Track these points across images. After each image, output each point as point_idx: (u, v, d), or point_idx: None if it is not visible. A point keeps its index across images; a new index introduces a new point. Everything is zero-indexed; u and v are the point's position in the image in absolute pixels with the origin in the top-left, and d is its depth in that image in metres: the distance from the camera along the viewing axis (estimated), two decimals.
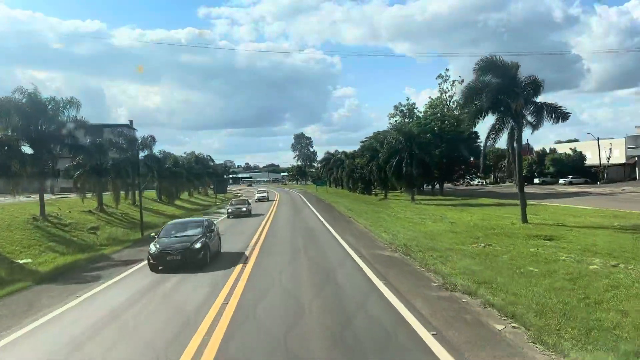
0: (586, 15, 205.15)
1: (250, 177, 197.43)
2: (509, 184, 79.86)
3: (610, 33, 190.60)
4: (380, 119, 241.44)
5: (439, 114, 51.36)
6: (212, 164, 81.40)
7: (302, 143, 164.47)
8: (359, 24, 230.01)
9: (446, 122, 49.33)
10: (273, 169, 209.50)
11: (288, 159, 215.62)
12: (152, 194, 50.43)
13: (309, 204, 43.97)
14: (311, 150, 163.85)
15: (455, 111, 53.65)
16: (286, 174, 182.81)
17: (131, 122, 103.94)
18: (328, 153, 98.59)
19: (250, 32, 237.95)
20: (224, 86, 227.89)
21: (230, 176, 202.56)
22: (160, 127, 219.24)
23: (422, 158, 39.71)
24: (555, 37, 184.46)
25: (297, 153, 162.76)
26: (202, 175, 66.17)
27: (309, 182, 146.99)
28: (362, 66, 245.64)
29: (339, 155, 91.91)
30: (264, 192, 57.40)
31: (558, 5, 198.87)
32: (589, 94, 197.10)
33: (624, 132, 61.68)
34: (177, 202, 51.42)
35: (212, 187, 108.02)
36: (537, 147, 79.63)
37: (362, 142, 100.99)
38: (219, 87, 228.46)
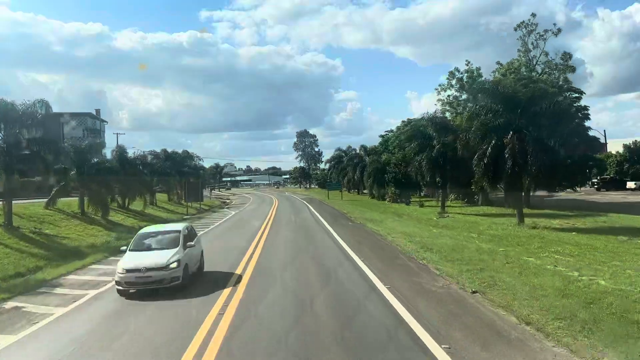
0: (589, 19, 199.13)
1: (250, 180, 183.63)
2: (583, 188, 60.91)
3: (613, 37, 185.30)
4: (382, 122, 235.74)
5: (524, 81, 32.47)
6: (192, 162, 62.60)
7: (305, 142, 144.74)
8: (361, 27, 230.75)
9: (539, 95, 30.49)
10: (274, 171, 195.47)
11: (290, 162, 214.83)
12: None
13: (334, 232, 25.55)
14: (316, 149, 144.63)
15: (552, 75, 34.84)
16: (287, 176, 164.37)
17: (98, 110, 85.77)
18: (339, 150, 79.96)
19: (251, 35, 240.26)
20: (226, 89, 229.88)
21: (229, 179, 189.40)
22: (162, 130, 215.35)
23: (541, 142, 20.99)
24: (558, 40, 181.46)
25: (300, 153, 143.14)
26: (169, 176, 47.52)
27: (314, 186, 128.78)
28: (364, 69, 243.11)
29: (353, 152, 73.34)
30: (158, 234, 12.70)
31: (560, 9, 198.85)
32: (591, 97, 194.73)
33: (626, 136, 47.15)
34: (117, 217, 32.93)
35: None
36: (613, 140, 60.85)
37: (383, 135, 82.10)
38: (220, 90, 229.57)
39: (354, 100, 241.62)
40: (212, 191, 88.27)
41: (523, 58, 36.68)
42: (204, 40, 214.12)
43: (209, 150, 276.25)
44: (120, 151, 37.76)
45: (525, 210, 30.82)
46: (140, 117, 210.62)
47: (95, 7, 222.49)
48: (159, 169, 46.28)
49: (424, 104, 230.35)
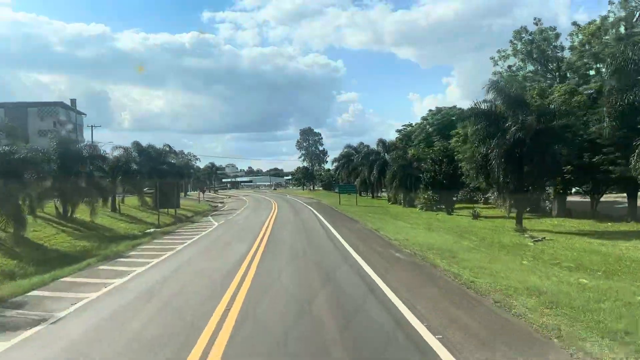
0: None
1: (251, 181, 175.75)
2: None
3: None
4: (383, 124, 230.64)
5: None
6: (180, 159, 52.31)
7: (309, 140, 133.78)
8: (363, 29, 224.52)
9: None
10: (276, 172, 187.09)
11: (293, 162, 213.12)
12: None
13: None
14: (320, 148, 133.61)
15: None
16: (290, 177, 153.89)
17: (73, 101, 75.26)
18: (349, 147, 69.38)
19: (254, 37, 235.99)
20: (228, 90, 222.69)
21: (229, 180, 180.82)
22: (164, 130, 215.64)
23: None
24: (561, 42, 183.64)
25: (304, 152, 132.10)
26: (140, 175, 37.10)
27: (318, 187, 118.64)
28: (366, 71, 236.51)
29: (366, 149, 62.81)
30: None
31: (563, 11, 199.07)
32: None
33: None
34: (46, 231, 22.75)
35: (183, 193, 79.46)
36: None
37: (400, 130, 71.63)
38: (222, 91, 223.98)
39: (356, 102, 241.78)
40: (204, 193, 77.90)
41: (623, 11, 26.31)
42: (207, 41, 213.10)
43: (211, 152, 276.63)
44: (60, 140, 27.45)
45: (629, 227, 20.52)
46: (142, 117, 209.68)
47: (98, 8, 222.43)
48: (124, 166, 35.97)
49: (427, 105, 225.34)
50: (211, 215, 39.32)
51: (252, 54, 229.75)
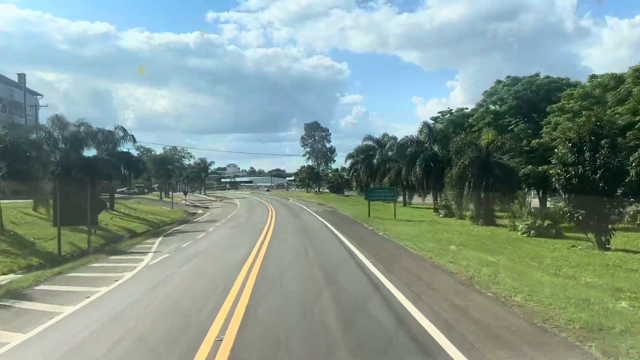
0: (597, 27, 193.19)
1: (251, 182, 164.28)
2: None
3: (622, 45, 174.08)
4: (387, 127, 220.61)
5: None
6: (132, 149, 37.44)
7: (315, 136, 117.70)
8: (368, 31, 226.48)
9: None
10: (278, 173, 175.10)
11: (294, 165, 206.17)
12: None
13: None
14: (328, 146, 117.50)
15: None
16: (292, 178, 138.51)
17: (21, 75, 59.72)
18: (370, 138, 53.72)
19: (258, 37, 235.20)
20: (231, 91, 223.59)
21: (228, 179, 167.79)
22: (168, 130, 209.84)
23: None
24: (566, 48, 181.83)
25: (309, 149, 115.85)
26: (35, 166, 22.04)
27: (324, 190, 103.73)
28: (370, 73, 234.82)
29: (396, 140, 47.52)
30: None
31: (569, 16, 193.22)
32: None
33: None
34: None
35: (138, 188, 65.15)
36: None
37: (437, 118, 56.40)
38: (226, 92, 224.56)
39: (360, 104, 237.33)
40: (186, 195, 63.14)
41: None
42: (211, 41, 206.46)
43: (213, 151, 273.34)
44: None
45: None
46: (145, 117, 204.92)
47: (102, 7, 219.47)
48: (12, 152, 20.84)
49: (430, 109, 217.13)
50: (166, 235, 24.09)
51: (256, 54, 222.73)
